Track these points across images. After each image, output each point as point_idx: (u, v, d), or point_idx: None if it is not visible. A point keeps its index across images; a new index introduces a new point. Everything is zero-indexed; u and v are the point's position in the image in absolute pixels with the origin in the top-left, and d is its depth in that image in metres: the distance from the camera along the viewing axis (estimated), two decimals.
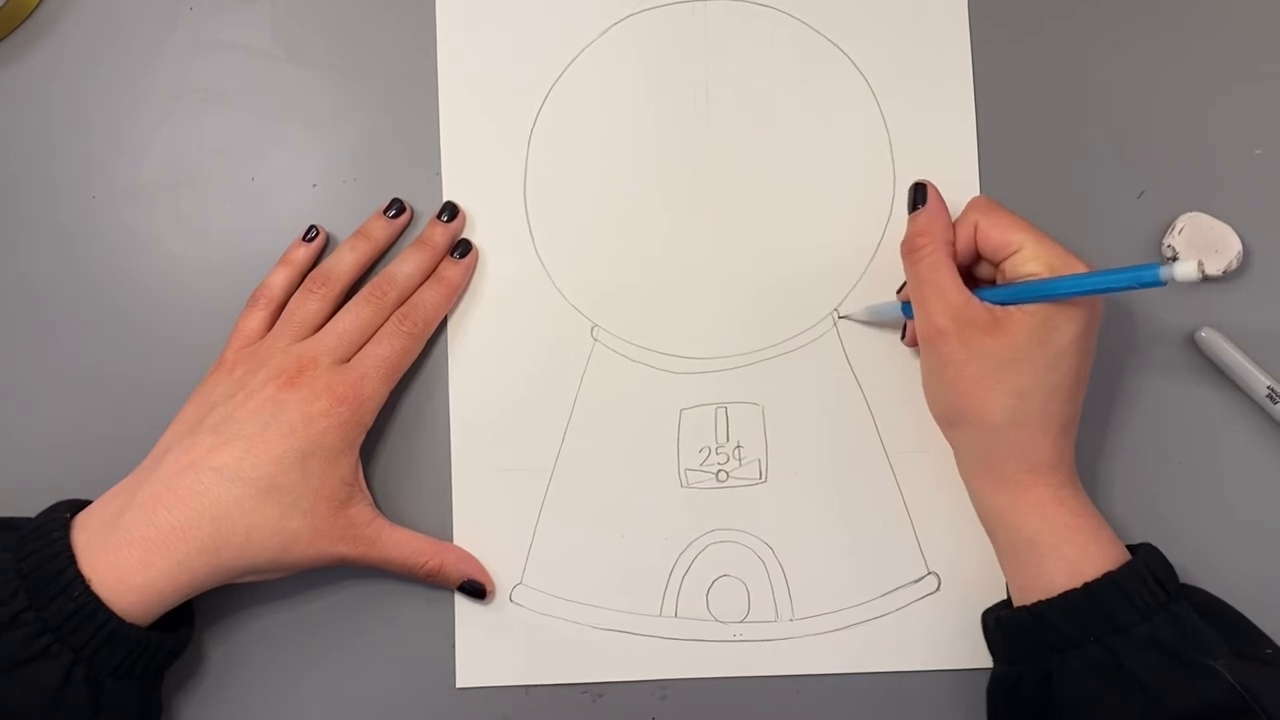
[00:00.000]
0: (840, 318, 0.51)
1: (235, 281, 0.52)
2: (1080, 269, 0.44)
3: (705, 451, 0.51)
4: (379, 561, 0.48)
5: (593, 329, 0.52)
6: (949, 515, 0.50)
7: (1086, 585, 0.43)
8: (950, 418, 0.47)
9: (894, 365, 0.51)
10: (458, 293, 0.51)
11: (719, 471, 0.51)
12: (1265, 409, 0.50)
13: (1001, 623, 0.46)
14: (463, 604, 0.50)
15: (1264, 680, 0.41)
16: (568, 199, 0.52)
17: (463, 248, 0.51)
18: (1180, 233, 0.51)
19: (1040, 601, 0.44)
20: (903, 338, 0.51)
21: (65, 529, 0.43)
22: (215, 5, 0.54)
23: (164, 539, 0.43)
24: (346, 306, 0.49)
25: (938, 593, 0.50)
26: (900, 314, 0.49)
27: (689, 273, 0.52)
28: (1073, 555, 0.44)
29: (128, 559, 0.43)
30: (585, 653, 0.50)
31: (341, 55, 0.54)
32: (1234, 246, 0.51)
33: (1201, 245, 0.51)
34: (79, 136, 0.53)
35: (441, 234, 0.51)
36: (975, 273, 0.48)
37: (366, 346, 0.48)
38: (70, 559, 0.42)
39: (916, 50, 0.53)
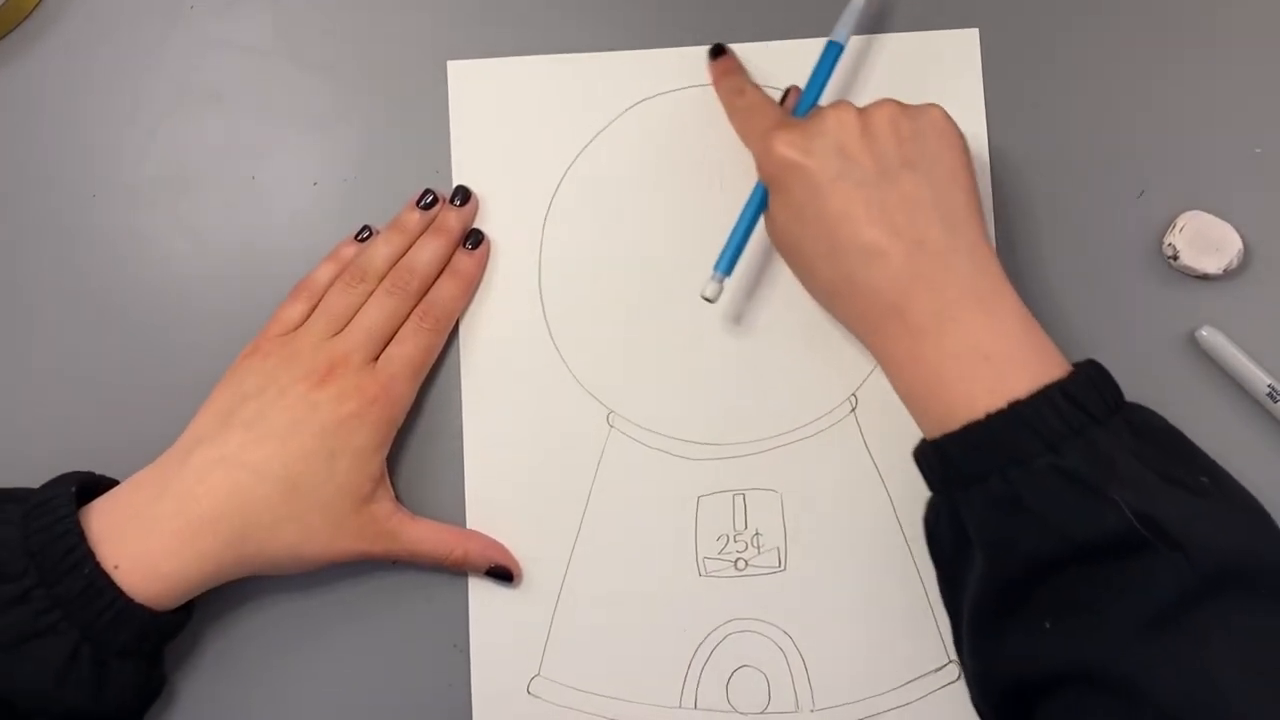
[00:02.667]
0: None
1: (235, 281, 0.52)
2: None
3: (723, 539, 0.51)
4: (402, 555, 0.48)
5: (609, 415, 0.51)
6: None
7: (989, 415, 0.40)
8: None
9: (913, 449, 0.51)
10: (473, 285, 0.51)
11: (737, 560, 0.51)
12: (1266, 408, 0.50)
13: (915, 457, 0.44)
14: (480, 702, 0.50)
15: (1181, 510, 0.38)
16: (583, 285, 0.52)
17: (474, 238, 0.51)
18: (1181, 231, 0.51)
19: (946, 435, 0.42)
20: None
21: (71, 503, 0.44)
22: (216, 5, 0.54)
23: (194, 531, 0.44)
24: (372, 298, 0.49)
25: (958, 681, 0.50)
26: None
27: (705, 358, 0.51)
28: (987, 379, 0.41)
29: (157, 548, 0.44)
30: None
31: (342, 55, 0.53)
32: (1234, 245, 0.51)
33: (1202, 244, 0.51)
34: (79, 136, 0.53)
35: (455, 219, 0.51)
36: None
37: (392, 346, 0.49)
38: (80, 536, 0.43)
39: (929, 79, 0.52)
